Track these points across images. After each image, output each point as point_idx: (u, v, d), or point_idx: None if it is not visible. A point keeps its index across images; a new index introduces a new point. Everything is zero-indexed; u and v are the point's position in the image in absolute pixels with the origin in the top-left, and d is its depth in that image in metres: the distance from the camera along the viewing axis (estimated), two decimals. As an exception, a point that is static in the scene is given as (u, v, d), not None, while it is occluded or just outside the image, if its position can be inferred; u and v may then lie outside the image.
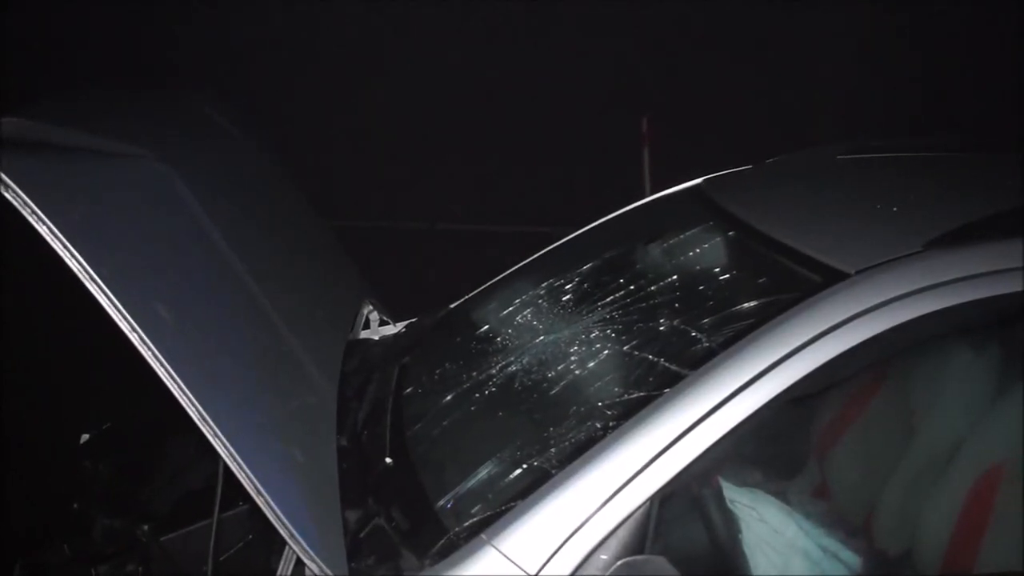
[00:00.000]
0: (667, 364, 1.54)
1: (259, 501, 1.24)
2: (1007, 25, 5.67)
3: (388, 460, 1.69)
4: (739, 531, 1.48)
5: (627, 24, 6.84)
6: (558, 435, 1.52)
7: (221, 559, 1.81)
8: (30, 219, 1.13)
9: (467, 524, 1.41)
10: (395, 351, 2.21)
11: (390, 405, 1.89)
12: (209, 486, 1.88)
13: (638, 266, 2.01)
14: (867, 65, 6.26)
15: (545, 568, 1.26)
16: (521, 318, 2.04)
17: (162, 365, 1.19)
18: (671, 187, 2.35)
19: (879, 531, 1.60)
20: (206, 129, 2.18)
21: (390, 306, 2.58)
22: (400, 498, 1.58)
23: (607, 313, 1.85)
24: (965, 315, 1.41)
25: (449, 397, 1.84)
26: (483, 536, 1.32)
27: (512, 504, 1.35)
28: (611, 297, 1.88)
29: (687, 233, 1.98)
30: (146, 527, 1.85)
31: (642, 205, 2.41)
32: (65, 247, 1.15)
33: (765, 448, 1.58)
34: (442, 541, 1.39)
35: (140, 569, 1.82)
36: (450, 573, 1.30)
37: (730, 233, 1.87)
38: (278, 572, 1.54)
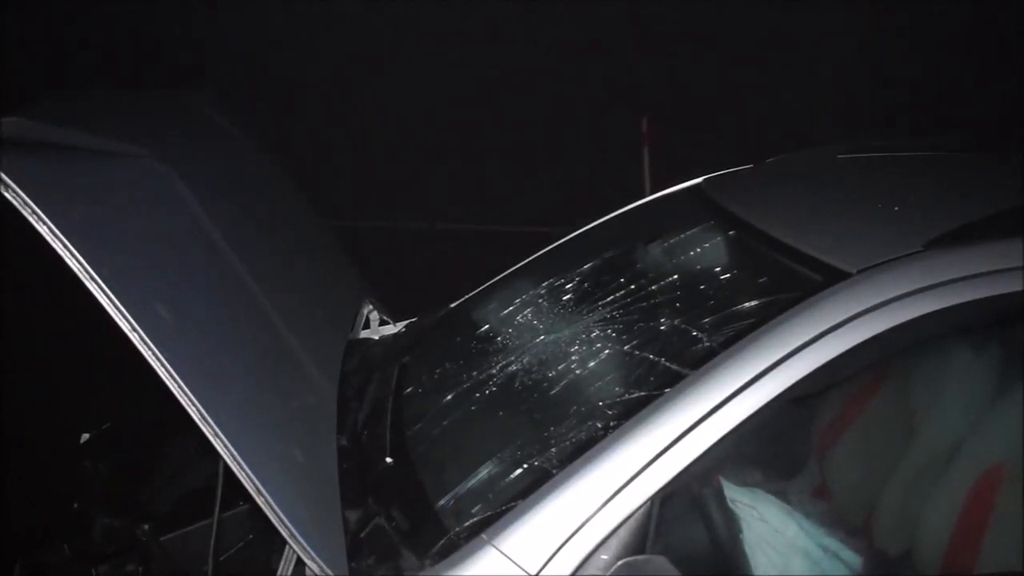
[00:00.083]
0: (668, 364, 1.54)
1: (259, 501, 1.24)
2: (1007, 25, 5.67)
3: (388, 460, 1.69)
4: (740, 531, 1.48)
5: (627, 24, 6.84)
6: (558, 435, 1.51)
7: (221, 559, 1.81)
8: (30, 219, 1.13)
9: (467, 524, 1.41)
10: (395, 351, 2.21)
11: (390, 405, 1.89)
12: (209, 486, 1.88)
13: (639, 265, 2.01)
14: (867, 65, 6.26)
15: (546, 568, 1.26)
16: (521, 318, 2.04)
17: (162, 365, 1.18)
18: (671, 187, 2.35)
19: (879, 531, 1.60)
20: (206, 129, 2.18)
21: (390, 306, 2.58)
22: (400, 498, 1.58)
23: (608, 313, 1.85)
24: (966, 315, 1.41)
25: (449, 397, 1.84)
26: (484, 536, 1.31)
27: (513, 504, 1.35)
28: (612, 297, 1.88)
29: (688, 232, 1.98)
30: (146, 527, 1.84)
31: (642, 204, 2.41)
32: (65, 247, 1.15)
33: (766, 448, 1.58)
34: (442, 541, 1.38)
35: (140, 569, 1.82)
36: (450, 573, 1.29)
37: (731, 232, 1.87)
38: (278, 572, 1.53)
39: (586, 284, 2.03)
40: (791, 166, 2.33)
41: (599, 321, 1.84)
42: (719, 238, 1.89)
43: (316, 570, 1.28)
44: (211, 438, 1.22)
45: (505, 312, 2.10)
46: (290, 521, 1.25)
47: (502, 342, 1.97)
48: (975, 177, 1.98)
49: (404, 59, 7.15)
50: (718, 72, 6.57)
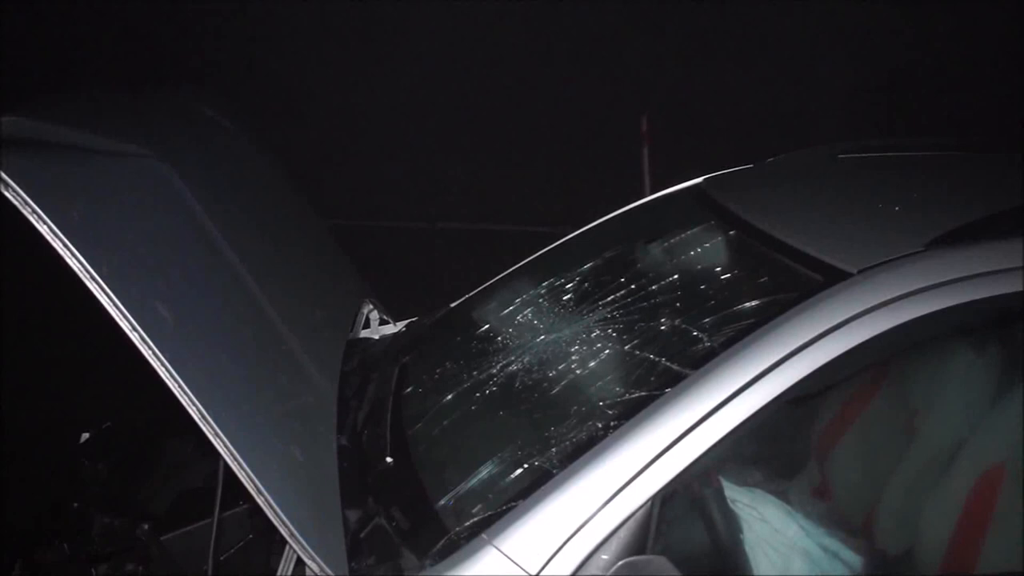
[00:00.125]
0: (668, 364, 1.54)
1: (260, 500, 1.24)
2: (1007, 25, 5.67)
3: (388, 459, 1.69)
4: (740, 531, 1.48)
5: (627, 23, 6.84)
6: (559, 435, 1.51)
7: (221, 558, 1.81)
8: (30, 218, 1.13)
9: (468, 524, 1.41)
10: (395, 350, 2.21)
11: (390, 404, 1.89)
12: (208, 485, 1.88)
13: (639, 265, 2.01)
14: (867, 65, 6.26)
15: (546, 568, 1.26)
16: (522, 317, 2.04)
17: (162, 364, 1.18)
18: (671, 186, 2.35)
19: (880, 531, 1.60)
20: (206, 128, 2.18)
21: (390, 305, 2.58)
22: (400, 497, 1.58)
23: (608, 312, 1.85)
24: (967, 315, 1.41)
25: (450, 396, 1.84)
26: (484, 536, 1.31)
27: (513, 504, 1.35)
28: (612, 296, 1.88)
29: (688, 232, 1.98)
30: (145, 526, 1.84)
31: (643, 204, 2.41)
32: (65, 246, 1.15)
33: (767, 448, 1.58)
34: (443, 541, 1.38)
35: (139, 568, 1.82)
36: (451, 573, 1.29)
37: (731, 232, 1.87)
38: (278, 572, 1.54)
39: (586, 284, 2.03)
40: (792, 166, 2.33)
41: (599, 321, 1.84)
42: (720, 238, 1.89)
43: (316, 570, 1.27)
44: (211, 438, 1.22)
45: (505, 312, 2.10)
46: (290, 521, 1.25)
47: (502, 342, 1.97)
48: (976, 177, 1.98)
49: (404, 58, 7.15)
50: (718, 72, 6.56)
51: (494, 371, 1.86)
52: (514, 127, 6.79)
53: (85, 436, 2.25)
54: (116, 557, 1.84)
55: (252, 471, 1.23)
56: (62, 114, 1.56)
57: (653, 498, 1.30)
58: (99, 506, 1.93)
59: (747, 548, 1.48)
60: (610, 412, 1.48)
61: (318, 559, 1.27)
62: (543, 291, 2.10)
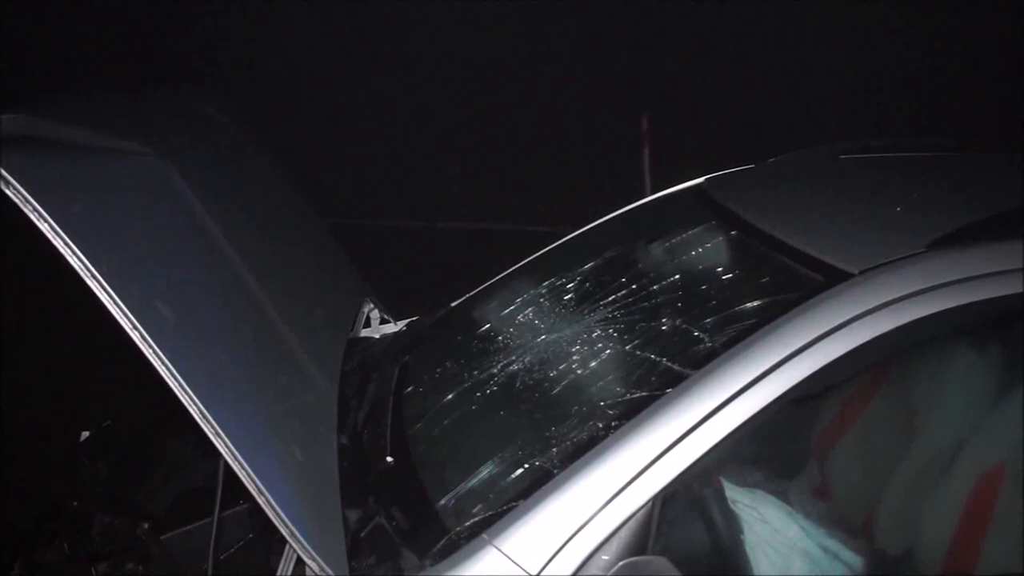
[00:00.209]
0: (669, 364, 1.53)
1: (260, 500, 1.24)
2: (1007, 25, 5.66)
3: (389, 459, 1.69)
4: (741, 531, 1.48)
5: (627, 23, 6.84)
6: (560, 435, 1.51)
7: (221, 558, 1.81)
8: (31, 216, 1.13)
9: (468, 524, 1.40)
10: (396, 350, 2.21)
11: (391, 404, 1.88)
12: (208, 485, 1.88)
13: (640, 265, 2.00)
14: (867, 65, 6.26)
15: (547, 568, 1.26)
16: (522, 317, 2.04)
17: (163, 363, 1.18)
18: (672, 186, 2.34)
19: (880, 531, 1.60)
20: (206, 127, 2.18)
21: (390, 304, 2.58)
22: (401, 497, 1.57)
23: (609, 312, 1.85)
24: (969, 316, 1.41)
25: (450, 396, 1.83)
26: (484, 536, 1.31)
27: (514, 504, 1.35)
28: (613, 296, 1.88)
29: (689, 232, 1.98)
30: (145, 525, 1.84)
31: (644, 204, 2.41)
32: (66, 244, 1.15)
33: (768, 448, 1.58)
34: (443, 541, 1.38)
35: (139, 568, 1.82)
36: (451, 573, 1.29)
37: (732, 232, 1.87)
38: (278, 571, 1.54)
39: (587, 284, 2.03)
40: (793, 166, 2.33)
41: (600, 321, 1.84)
42: (721, 238, 1.89)
43: (316, 569, 1.27)
44: (212, 437, 1.21)
45: (506, 311, 2.10)
46: (290, 520, 1.25)
47: (503, 341, 1.97)
48: (978, 178, 1.98)
49: (404, 57, 7.15)
50: (718, 71, 6.56)
51: (495, 371, 1.86)
52: (514, 127, 6.78)
53: (85, 435, 2.25)
54: (116, 556, 1.84)
55: (252, 470, 1.23)
56: (62, 112, 1.56)
57: (654, 498, 1.29)
58: (99, 505, 1.93)
59: (748, 548, 1.48)
60: (611, 412, 1.48)
61: (318, 559, 1.27)
62: (544, 291, 2.10)
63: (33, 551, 1.87)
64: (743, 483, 1.57)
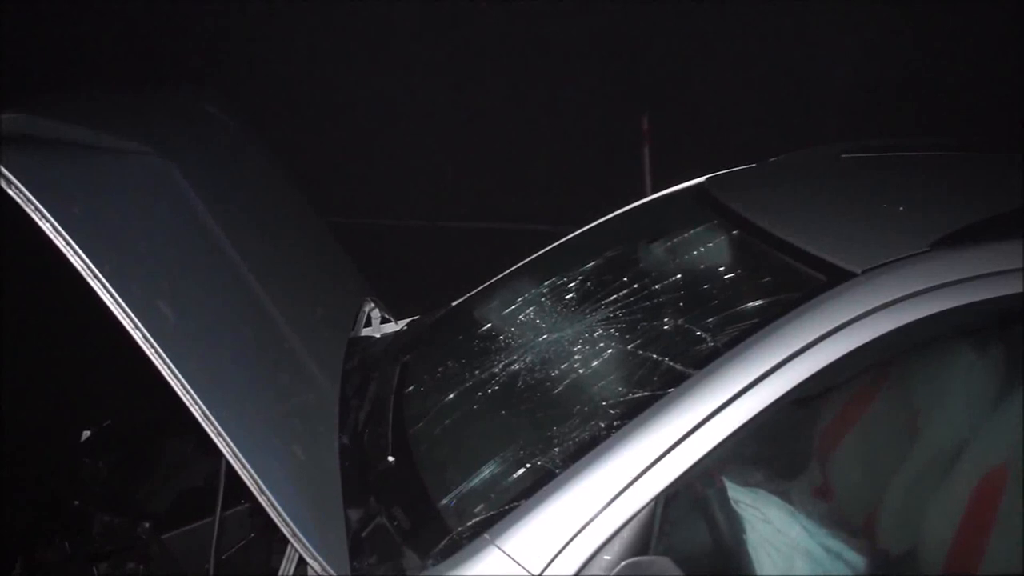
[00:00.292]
0: (671, 363, 1.53)
1: (261, 500, 1.23)
2: (1007, 25, 5.66)
3: (390, 458, 1.69)
4: (743, 531, 1.48)
5: (627, 23, 6.84)
6: (562, 434, 1.51)
7: (223, 557, 1.80)
8: (32, 215, 1.13)
9: (470, 523, 1.40)
10: (397, 349, 2.21)
11: (392, 403, 1.88)
12: (209, 484, 1.87)
13: (642, 265, 2.00)
14: (868, 65, 6.25)
15: (549, 568, 1.26)
16: (524, 316, 2.04)
17: (164, 362, 1.18)
18: (672, 185, 2.34)
19: (883, 531, 1.60)
20: (207, 126, 2.18)
21: (391, 304, 2.57)
22: (402, 497, 1.57)
23: (611, 312, 1.84)
24: (971, 316, 1.41)
25: (451, 395, 1.83)
26: (486, 536, 1.31)
27: (516, 503, 1.35)
28: (614, 296, 1.88)
29: (691, 232, 1.97)
30: (146, 525, 1.84)
31: (645, 203, 2.41)
32: (67, 243, 1.14)
33: (770, 448, 1.57)
34: (445, 540, 1.38)
35: (140, 567, 1.82)
36: (453, 573, 1.29)
37: (734, 232, 1.87)
38: (280, 571, 1.53)
39: (589, 283, 2.03)
40: (795, 165, 2.33)
41: (602, 320, 1.83)
42: (723, 237, 1.89)
43: (318, 569, 1.27)
44: (213, 436, 1.21)
45: (507, 311, 2.09)
46: (292, 520, 1.25)
47: (504, 341, 1.97)
48: (980, 177, 1.98)
49: (404, 57, 7.15)
50: (718, 71, 6.56)
51: (496, 370, 1.85)
52: (515, 126, 6.78)
53: (86, 434, 2.25)
54: (117, 556, 1.83)
55: (254, 470, 1.23)
56: (63, 112, 1.56)
57: (656, 498, 1.29)
58: (100, 504, 1.93)
59: (750, 548, 1.48)
60: (613, 412, 1.48)
61: (320, 558, 1.26)
62: (545, 290, 2.09)
63: (34, 550, 1.87)
64: (745, 483, 1.56)
